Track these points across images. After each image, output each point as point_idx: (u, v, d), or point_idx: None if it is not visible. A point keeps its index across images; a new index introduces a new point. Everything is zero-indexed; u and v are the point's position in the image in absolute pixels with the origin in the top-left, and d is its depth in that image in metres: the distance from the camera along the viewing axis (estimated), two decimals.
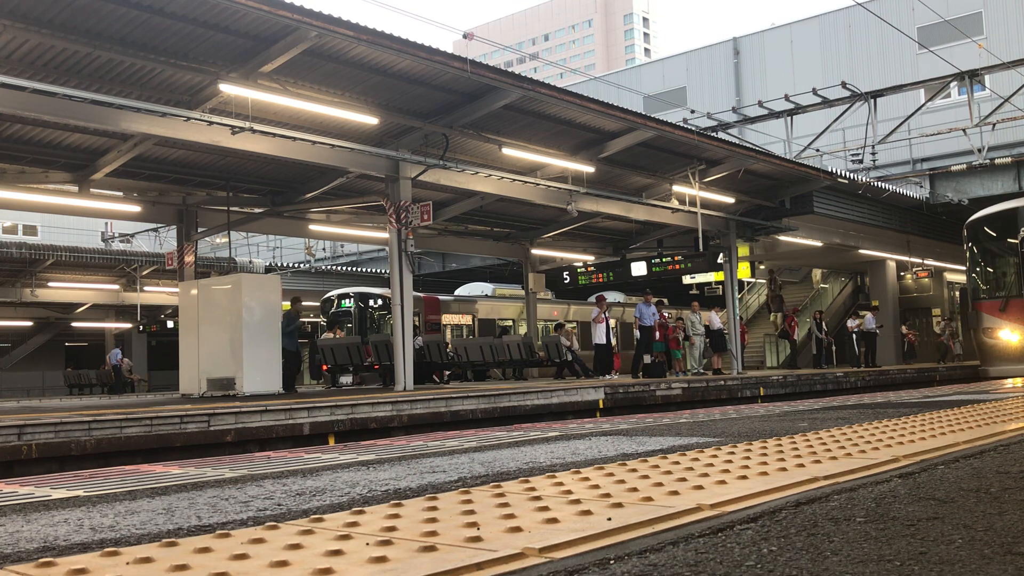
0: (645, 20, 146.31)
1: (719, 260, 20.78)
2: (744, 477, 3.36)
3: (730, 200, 20.56)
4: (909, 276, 31.74)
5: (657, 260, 21.74)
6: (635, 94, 32.98)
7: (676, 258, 21.45)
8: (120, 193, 16.69)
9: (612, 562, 2.10)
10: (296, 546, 2.30)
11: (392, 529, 2.51)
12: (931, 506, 2.76)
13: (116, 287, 30.11)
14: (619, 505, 2.79)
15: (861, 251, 27.44)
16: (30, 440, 8.63)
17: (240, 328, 14.51)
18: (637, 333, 19.36)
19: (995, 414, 6.25)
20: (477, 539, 2.32)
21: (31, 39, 10.65)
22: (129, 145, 14.24)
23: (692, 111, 24.46)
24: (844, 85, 21.46)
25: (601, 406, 14.84)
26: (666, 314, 20.95)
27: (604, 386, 15.34)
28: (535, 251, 24.47)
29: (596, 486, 3.22)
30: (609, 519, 2.55)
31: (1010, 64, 20.11)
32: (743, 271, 24.39)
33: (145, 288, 29.45)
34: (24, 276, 27.66)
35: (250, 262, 28.68)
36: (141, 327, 33.02)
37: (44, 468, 8.51)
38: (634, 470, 3.66)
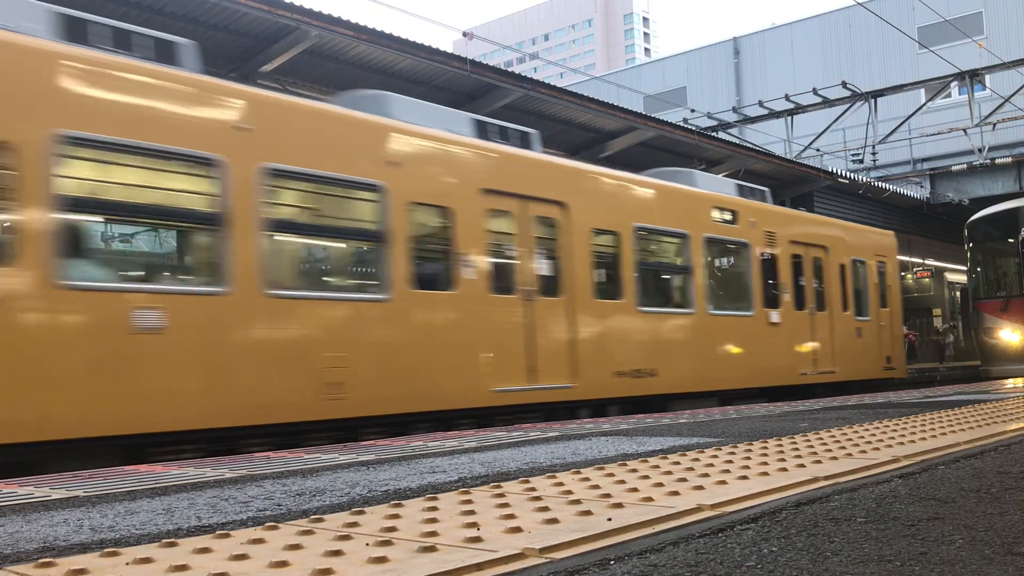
0: (645, 20, 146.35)
1: None
2: (744, 477, 3.36)
3: None
4: (909, 276, 31.75)
5: None
6: (635, 94, 32.95)
7: None
8: None
9: (612, 562, 2.10)
10: (296, 546, 2.30)
11: (392, 529, 2.51)
12: (932, 506, 2.76)
13: None
14: (619, 505, 2.79)
15: None
16: None
17: None
18: None
19: (996, 414, 6.25)
20: (477, 539, 2.32)
21: None
22: None
23: (692, 111, 24.44)
24: (844, 85, 21.46)
25: None
26: None
27: None
28: None
29: (596, 486, 3.22)
30: (609, 519, 2.55)
31: (1010, 64, 20.11)
32: None
33: None
34: None
35: None
36: None
37: None
38: (634, 470, 3.66)
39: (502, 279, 9.44)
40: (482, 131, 9.76)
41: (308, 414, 7.56)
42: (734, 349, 12.73)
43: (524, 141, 10.47)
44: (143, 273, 7.54)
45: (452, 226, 8.86)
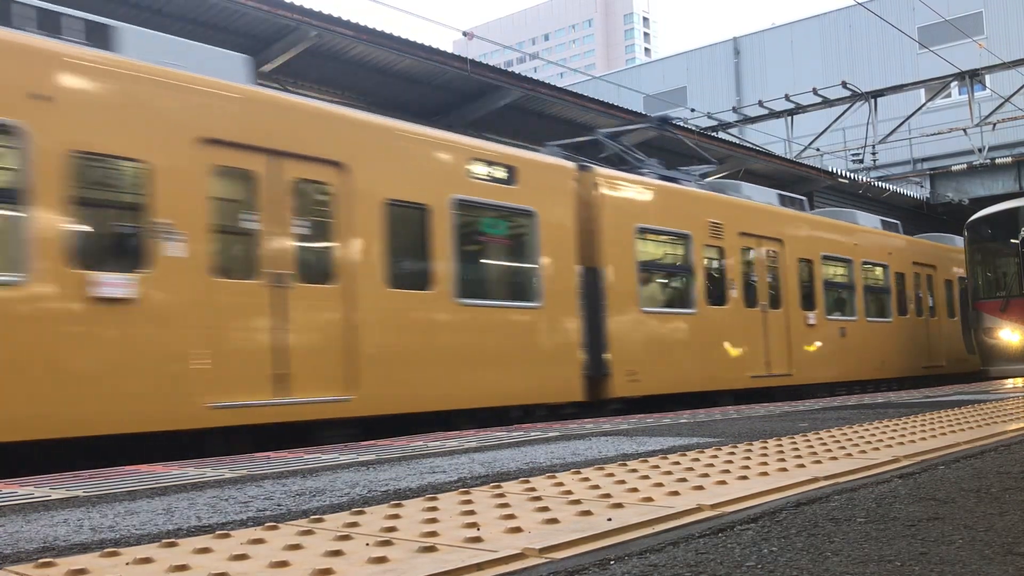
0: (645, 20, 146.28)
1: None
2: (744, 477, 3.36)
3: None
4: None
5: None
6: (635, 94, 32.93)
7: None
8: None
9: (612, 562, 2.10)
10: (296, 546, 2.30)
11: (392, 529, 2.51)
12: (932, 506, 2.76)
13: None
14: (619, 505, 2.79)
15: None
16: None
17: None
18: None
19: (995, 414, 6.25)
20: (477, 539, 2.32)
21: None
22: None
23: (692, 111, 24.42)
24: (844, 85, 21.43)
25: None
26: None
27: None
28: None
29: (596, 486, 3.22)
30: (609, 519, 2.55)
31: (1010, 64, 20.09)
32: None
33: None
34: None
35: None
36: None
37: None
38: (634, 470, 3.66)
39: (914, 306, 17.91)
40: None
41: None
42: None
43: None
44: (839, 311, 15.23)
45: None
